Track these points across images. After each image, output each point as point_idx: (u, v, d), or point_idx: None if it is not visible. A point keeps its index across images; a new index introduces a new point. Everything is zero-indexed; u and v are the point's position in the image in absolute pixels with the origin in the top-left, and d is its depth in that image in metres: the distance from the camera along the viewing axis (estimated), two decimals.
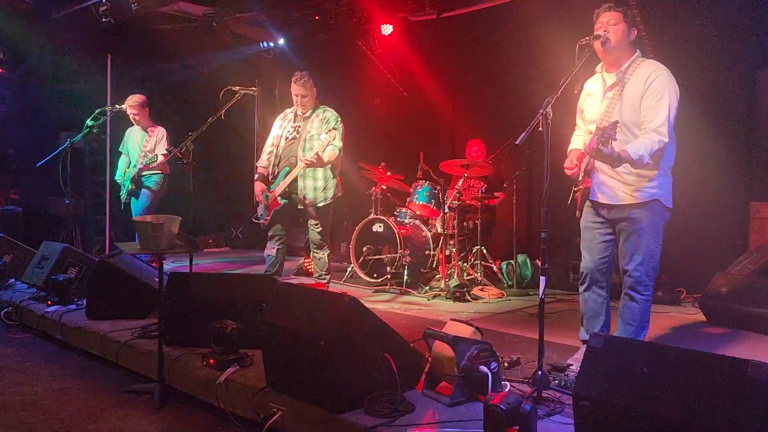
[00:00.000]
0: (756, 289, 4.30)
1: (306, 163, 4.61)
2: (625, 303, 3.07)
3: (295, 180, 4.76)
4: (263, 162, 4.96)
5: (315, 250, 5.04)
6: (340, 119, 4.84)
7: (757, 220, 5.34)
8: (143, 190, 6.01)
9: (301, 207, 4.84)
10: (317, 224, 4.90)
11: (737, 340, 4.02)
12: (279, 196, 4.78)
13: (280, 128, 4.93)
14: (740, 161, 5.40)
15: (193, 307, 3.41)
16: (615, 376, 1.96)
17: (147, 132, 6.10)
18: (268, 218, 4.86)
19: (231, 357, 3.04)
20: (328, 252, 5.05)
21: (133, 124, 6.21)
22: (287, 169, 4.78)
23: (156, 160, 5.89)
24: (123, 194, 6.10)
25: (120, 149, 6.33)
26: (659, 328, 4.26)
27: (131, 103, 6.07)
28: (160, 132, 6.04)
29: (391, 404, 2.48)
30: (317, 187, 4.81)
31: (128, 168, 6.17)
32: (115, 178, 6.25)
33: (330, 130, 4.64)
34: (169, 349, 3.29)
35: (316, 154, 4.56)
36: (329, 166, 4.79)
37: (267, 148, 4.98)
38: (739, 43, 5.24)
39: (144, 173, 5.98)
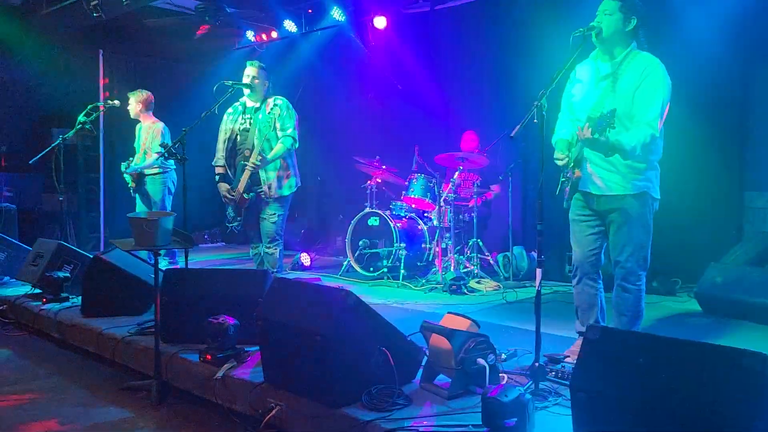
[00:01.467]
0: (750, 279, 4.32)
1: (252, 167, 4.56)
2: (619, 294, 3.08)
3: (257, 173, 4.66)
4: (220, 161, 4.82)
5: (268, 245, 4.79)
6: (291, 106, 4.77)
7: (751, 210, 5.36)
8: (151, 199, 5.93)
9: (266, 198, 4.71)
10: (274, 214, 4.73)
11: (732, 330, 4.04)
12: (244, 192, 4.66)
13: (231, 122, 4.83)
14: (734, 152, 5.41)
15: (189, 303, 3.40)
16: (611, 367, 1.97)
17: (145, 127, 6.06)
18: (240, 218, 4.74)
19: (228, 353, 3.04)
20: (281, 247, 4.85)
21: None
22: (243, 162, 4.68)
23: (139, 163, 5.86)
24: (131, 189, 6.05)
25: (134, 145, 6.29)
26: (655, 319, 4.28)
27: (133, 93, 6.03)
28: (155, 128, 5.98)
29: (389, 398, 2.49)
30: (281, 176, 4.71)
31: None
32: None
33: (283, 119, 4.64)
34: (165, 346, 3.29)
35: (260, 155, 4.53)
36: (289, 154, 4.74)
37: (220, 144, 4.85)
38: (734, 35, 5.24)
39: (147, 173, 5.91)
